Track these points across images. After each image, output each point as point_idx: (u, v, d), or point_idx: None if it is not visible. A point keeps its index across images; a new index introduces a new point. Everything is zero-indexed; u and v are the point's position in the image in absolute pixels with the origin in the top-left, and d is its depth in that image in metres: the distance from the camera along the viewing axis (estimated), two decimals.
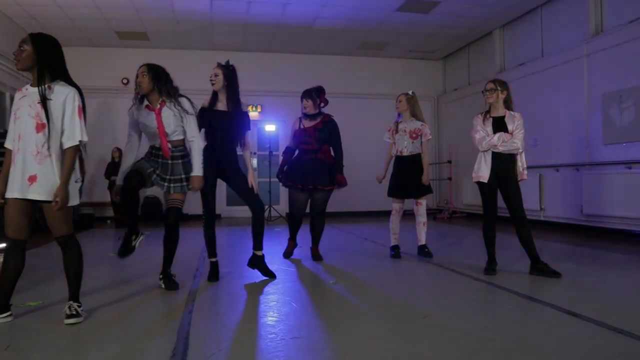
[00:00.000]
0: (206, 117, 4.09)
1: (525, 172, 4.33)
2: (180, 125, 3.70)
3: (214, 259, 4.21)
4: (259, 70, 10.82)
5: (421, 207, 5.26)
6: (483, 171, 4.31)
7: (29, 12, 8.74)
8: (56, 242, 2.99)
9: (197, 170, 3.74)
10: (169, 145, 3.70)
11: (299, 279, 4.31)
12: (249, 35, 10.21)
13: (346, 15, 9.14)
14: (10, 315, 2.99)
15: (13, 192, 2.86)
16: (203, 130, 4.13)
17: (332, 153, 5.17)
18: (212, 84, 4.11)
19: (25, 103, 2.89)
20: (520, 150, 4.27)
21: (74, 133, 2.90)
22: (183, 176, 3.71)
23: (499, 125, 4.28)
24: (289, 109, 10.28)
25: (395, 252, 5.30)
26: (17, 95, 2.98)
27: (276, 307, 3.35)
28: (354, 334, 2.72)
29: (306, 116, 5.14)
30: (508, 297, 3.55)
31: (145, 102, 3.70)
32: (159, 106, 3.65)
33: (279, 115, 11.15)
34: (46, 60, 2.90)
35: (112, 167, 9.43)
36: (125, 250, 3.68)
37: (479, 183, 4.36)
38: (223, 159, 4.12)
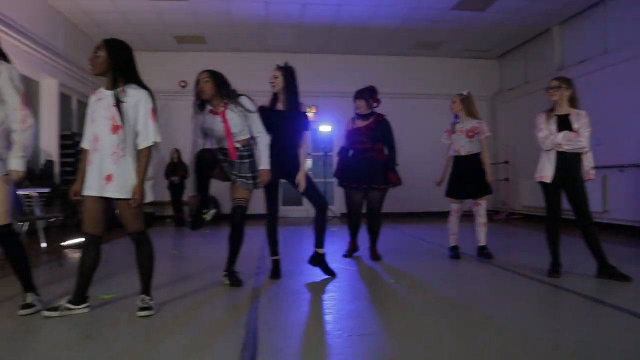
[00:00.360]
0: (266, 118, 4.17)
1: (593, 172, 4.20)
2: (246, 125, 3.80)
3: (276, 257, 4.28)
4: (314, 72, 10.90)
5: (481, 208, 5.18)
6: (547, 171, 4.21)
7: (94, 19, 9.14)
8: (130, 238, 3.13)
9: (265, 164, 3.84)
10: (238, 145, 3.80)
11: (360, 279, 4.33)
12: (303, 37, 10.32)
13: (401, 15, 9.10)
14: (88, 307, 3.14)
15: (91, 190, 3.00)
16: None
17: (386, 152, 5.17)
18: (272, 86, 4.18)
19: (101, 106, 3.03)
20: (587, 150, 4.14)
21: (148, 134, 3.03)
22: (250, 175, 3.81)
23: (564, 124, 4.16)
24: (344, 110, 10.29)
25: (455, 252, 5.24)
26: (92, 99, 3.12)
27: (339, 305, 3.38)
28: (419, 334, 2.71)
29: (359, 116, 5.18)
30: (575, 300, 3.45)
31: (209, 107, 3.81)
32: (222, 109, 3.75)
33: (334, 116, 11.19)
34: (120, 65, 3.04)
35: (172, 168, 9.72)
36: (197, 222, 3.80)
37: (542, 183, 4.25)
38: (285, 159, 4.18)
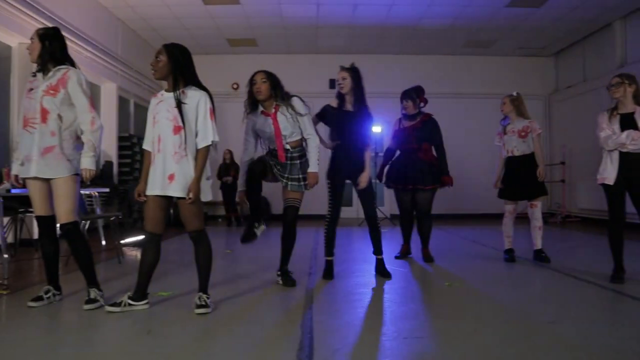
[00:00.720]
0: (334, 118, 4.20)
1: None
2: (297, 127, 3.83)
3: (330, 258, 4.29)
4: (364, 72, 10.84)
5: (536, 210, 5.03)
6: (609, 172, 4.05)
7: (150, 24, 9.43)
8: (189, 236, 3.21)
9: (313, 166, 3.86)
10: (288, 147, 3.83)
11: (412, 280, 4.30)
12: (353, 38, 10.31)
13: (452, 13, 8.96)
14: (147, 303, 3.25)
15: (154, 189, 3.11)
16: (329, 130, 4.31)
17: (434, 152, 5.12)
18: (341, 88, 4.19)
19: (163, 108, 3.13)
20: None
21: (207, 134, 3.12)
22: (300, 176, 3.84)
23: (628, 123, 3.98)
24: (394, 110, 10.22)
25: (510, 255, 5.11)
26: (154, 101, 3.23)
27: (393, 306, 3.37)
28: (474, 338, 2.67)
29: (406, 116, 5.15)
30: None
31: (260, 108, 3.85)
32: (273, 110, 3.79)
33: (384, 117, 11.13)
34: (180, 68, 3.12)
35: (224, 168, 9.91)
36: (248, 236, 3.87)
37: (604, 185, 4.10)
38: (351, 160, 4.19)
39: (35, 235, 6.45)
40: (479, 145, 10.59)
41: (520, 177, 5.01)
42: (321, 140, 4.08)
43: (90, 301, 3.28)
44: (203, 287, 3.23)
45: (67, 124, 3.27)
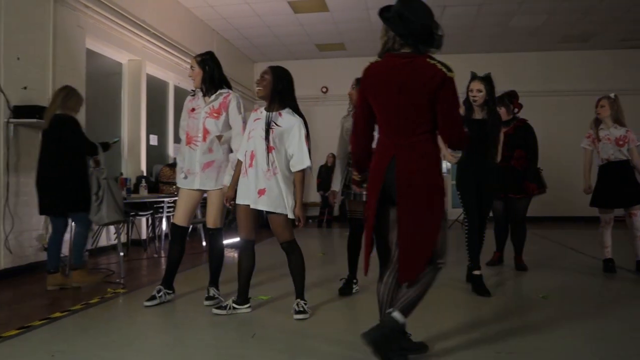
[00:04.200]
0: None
1: None
2: None
3: (478, 272, 4.08)
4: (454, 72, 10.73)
5: (636, 219, 4.74)
6: None
7: (243, 33, 9.87)
8: (280, 247, 3.39)
9: None
10: None
11: (505, 290, 4.24)
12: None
13: (546, 8, 8.63)
14: (249, 307, 3.48)
15: (245, 200, 3.32)
16: None
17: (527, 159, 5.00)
18: (474, 101, 4.13)
19: (259, 125, 3.32)
20: None
21: (302, 158, 3.28)
22: None
23: None
24: None
25: (610, 265, 4.87)
26: (252, 116, 3.43)
27: (485, 317, 3.36)
28: (574, 357, 2.63)
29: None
30: None
31: (353, 111, 3.97)
32: None
33: None
34: (280, 90, 3.31)
35: (325, 171, 10.17)
36: (346, 290, 3.98)
37: None
38: (479, 169, 4.14)
39: (144, 236, 7.01)
40: (575, 144, 10.09)
41: (616, 184, 4.76)
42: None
43: (209, 298, 3.69)
44: (299, 294, 3.39)
45: (224, 142, 3.67)
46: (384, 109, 2.43)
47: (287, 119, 3.29)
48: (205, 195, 3.77)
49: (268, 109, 3.34)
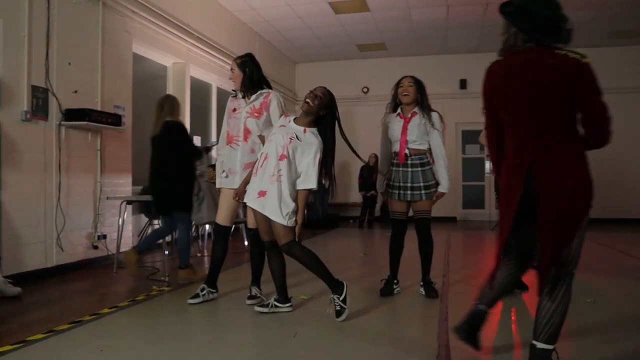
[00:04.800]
0: None
1: None
2: (425, 138, 3.87)
3: None
4: None
5: None
6: None
7: (284, 35, 9.95)
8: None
9: (444, 187, 3.88)
10: (407, 152, 3.88)
11: None
12: (485, 37, 10.01)
13: (593, 3, 8.35)
14: (291, 305, 3.51)
15: (247, 198, 3.35)
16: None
17: None
18: None
19: (282, 132, 3.33)
20: None
21: (309, 179, 3.28)
22: (422, 184, 3.86)
23: None
24: None
25: None
26: (280, 121, 3.46)
27: (529, 319, 3.28)
28: None
29: None
30: None
31: (398, 111, 3.95)
32: (409, 115, 3.88)
33: None
34: (323, 115, 3.35)
35: (367, 170, 10.16)
36: (387, 291, 3.96)
37: None
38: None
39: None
40: (625, 143, 9.76)
41: None
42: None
43: (252, 297, 3.75)
44: (332, 288, 3.30)
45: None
46: (514, 111, 2.26)
47: (309, 138, 3.31)
48: None
49: (297, 122, 3.37)
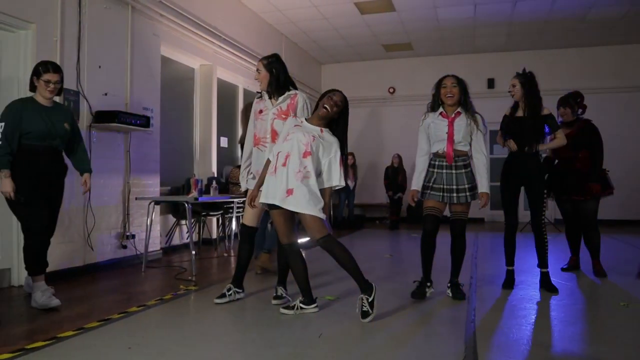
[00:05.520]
0: (507, 125, 4.25)
1: None
2: (468, 139, 3.82)
3: (511, 267, 4.28)
4: (525, 69, 10.37)
5: None
6: None
7: (310, 36, 9.98)
8: (318, 244, 3.35)
9: (485, 187, 3.84)
10: (451, 153, 3.83)
11: (581, 296, 4.06)
12: (512, 35, 9.88)
13: None
14: (316, 306, 3.51)
15: (270, 198, 3.32)
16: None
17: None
18: (512, 95, 4.21)
19: (300, 132, 3.35)
20: None
21: (331, 177, 3.35)
22: (467, 186, 3.81)
23: None
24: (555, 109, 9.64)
25: None
26: (292, 122, 3.46)
27: (559, 325, 3.23)
28: None
29: (562, 123, 4.83)
30: None
31: (440, 110, 3.86)
32: (453, 115, 3.81)
33: None
34: (342, 118, 3.43)
35: (392, 172, 10.11)
36: (419, 294, 3.86)
37: None
38: (525, 167, 4.18)
39: (214, 235, 7.23)
40: None
41: None
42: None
43: (277, 297, 3.77)
44: (361, 288, 3.29)
45: None
46: None
47: (327, 137, 3.38)
48: None
49: (312, 123, 3.41)
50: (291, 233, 3.44)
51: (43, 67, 3.63)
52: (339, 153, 3.38)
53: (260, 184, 3.48)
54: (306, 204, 3.24)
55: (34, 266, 3.61)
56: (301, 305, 3.48)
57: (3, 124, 3.48)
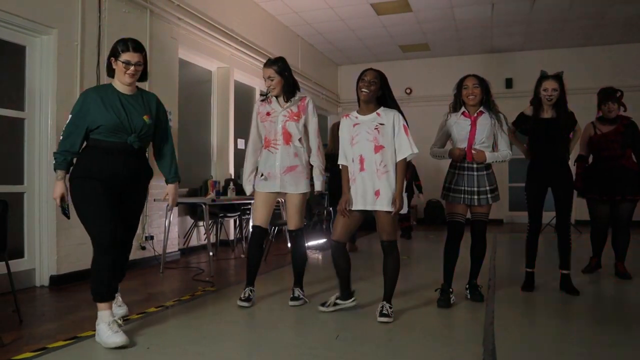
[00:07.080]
0: (532, 126, 4.17)
1: None
2: (491, 139, 3.78)
3: (531, 269, 4.24)
4: (544, 68, 10.25)
5: None
6: None
7: (326, 38, 9.98)
8: (381, 245, 3.39)
9: (490, 156, 3.77)
10: (473, 152, 3.75)
11: (603, 299, 4.00)
12: (530, 34, 9.78)
13: None
14: (354, 300, 3.59)
15: (359, 205, 3.35)
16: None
17: (634, 158, 4.69)
18: (549, 100, 4.07)
19: (362, 130, 3.34)
20: None
21: (402, 148, 3.31)
22: (488, 188, 3.76)
23: None
24: (580, 110, 9.51)
25: None
26: (347, 122, 3.44)
27: (580, 328, 3.18)
28: None
29: (602, 120, 4.74)
30: None
31: (462, 109, 3.81)
32: (476, 115, 3.76)
33: None
34: (384, 93, 3.37)
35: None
36: (443, 304, 3.72)
37: None
38: (551, 168, 4.12)
39: (232, 237, 7.27)
40: None
41: None
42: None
43: (294, 299, 3.77)
44: (387, 296, 3.36)
45: (305, 146, 3.79)
46: None
47: (386, 116, 3.34)
48: (279, 198, 3.83)
49: (364, 112, 3.38)
50: (349, 234, 3.55)
51: (122, 46, 3.01)
52: (402, 121, 3.33)
53: (348, 189, 3.43)
54: (387, 202, 3.29)
55: (98, 288, 2.90)
56: (337, 301, 3.56)
57: (70, 116, 3.01)
